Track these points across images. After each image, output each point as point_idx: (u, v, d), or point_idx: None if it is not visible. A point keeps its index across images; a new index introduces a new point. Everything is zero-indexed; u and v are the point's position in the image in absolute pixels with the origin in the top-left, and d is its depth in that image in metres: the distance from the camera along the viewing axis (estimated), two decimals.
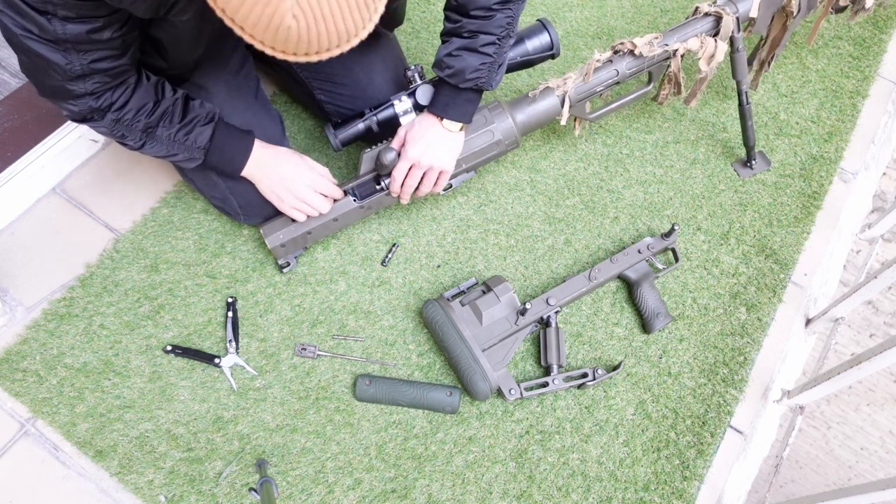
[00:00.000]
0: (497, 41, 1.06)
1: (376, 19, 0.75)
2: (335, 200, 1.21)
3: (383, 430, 1.16)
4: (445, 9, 1.09)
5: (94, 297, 1.24)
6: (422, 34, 1.60)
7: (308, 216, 1.19)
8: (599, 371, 1.19)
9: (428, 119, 1.14)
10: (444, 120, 1.13)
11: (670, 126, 1.50)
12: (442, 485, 1.13)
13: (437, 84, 1.14)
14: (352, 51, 1.27)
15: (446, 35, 1.10)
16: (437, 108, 1.13)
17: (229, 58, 1.21)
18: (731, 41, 1.28)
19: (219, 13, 0.70)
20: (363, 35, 0.75)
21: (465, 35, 1.06)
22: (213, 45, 1.15)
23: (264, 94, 1.28)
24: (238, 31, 0.70)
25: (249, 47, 1.29)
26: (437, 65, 1.11)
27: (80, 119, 0.99)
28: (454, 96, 1.12)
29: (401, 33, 1.59)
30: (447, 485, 1.13)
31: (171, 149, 1.07)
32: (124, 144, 1.06)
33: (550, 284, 1.31)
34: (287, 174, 1.15)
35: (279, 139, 1.24)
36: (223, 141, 1.11)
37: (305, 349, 1.21)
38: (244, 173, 1.15)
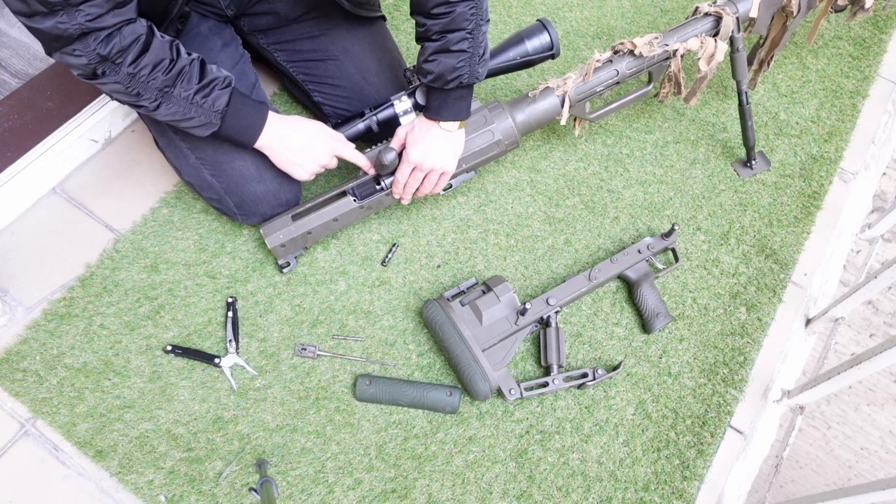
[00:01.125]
0: (468, 35, 1.04)
1: None
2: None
3: (383, 430, 1.16)
4: (411, 13, 1.06)
5: (94, 297, 1.24)
6: None
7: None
8: (599, 371, 1.19)
9: (426, 122, 1.14)
10: (441, 121, 1.13)
11: (670, 126, 1.50)
12: (442, 485, 1.13)
13: (427, 89, 1.14)
14: (346, 53, 1.29)
15: (419, 40, 1.08)
16: (430, 112, 1.13)
17: (217, 56, 1.21)
18: (731, 41, 1.28)
19: None
20: None
21: (435, 38, 1.04)
22: (201, 42, 1.15)
23: (262, 92, 1.28)
24: None
25: (248, 48, 1.30)
26: (419, 72, 1.10)
27: (91, 74, 0.95)
28: (444, 98, 1.11)
29: (400, 33, 1.59)
30: (447, 485, 1.13)
31: (189, 111, 1.03)
32: (138, 106, 1.02)
33: (550, 284, 1.31)
34: (305, 141, 1.14)
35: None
36: (239, 107, 1.08)
37: (305, 349, 1.21)
38: (259, 144, 1.13)
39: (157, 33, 0.99)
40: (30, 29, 0.89)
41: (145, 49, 0.96)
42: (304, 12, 1.27)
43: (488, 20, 1.06)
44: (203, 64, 1.04)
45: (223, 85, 1.05)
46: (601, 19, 1.66)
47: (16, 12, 0.87)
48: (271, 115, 1.13)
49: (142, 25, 0.96)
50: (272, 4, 1.26)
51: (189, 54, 1.02)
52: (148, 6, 1.00)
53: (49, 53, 0.93)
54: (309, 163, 1.16)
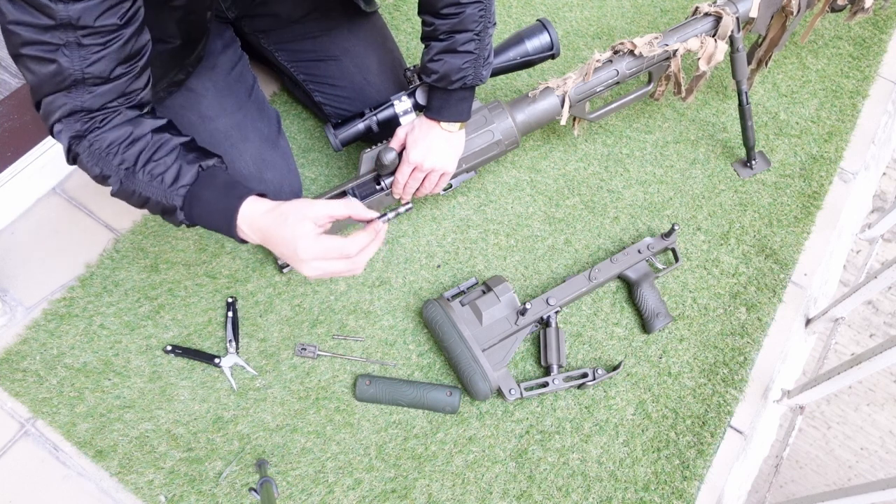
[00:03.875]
0: (476, 37, 1.04)
1: None
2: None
3: (383, 430, 1.16)
4: (418, 12, 1.07)
5: (94, 297, 1.24)
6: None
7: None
8: (599, 371, 1.19)
9: (426, 122, 1.14)
10: (442, 122, 1.13)
11: (670, 126, 1.50)
12: (442, 485, 1.13)
13: (429, 89, 1.14)
14: (347, 53, 1.29)
15: (425, 40, 1.08)
16: (432, 112, 1.13)
17: (217, 58, 1.21)
18: (731, 41, 1.28)
19: None
20: None
21: (442, 37, 1.04)
22: (201, 46, 1.15)
23: (261, 93, 1.28)
24: None
25: (247, 48, 1.30)
26: (423, 71, 1.10)
27: (73, 159, 0.89)
28: (446, 98, 1.11)
29: (401, 33, 1.59)
30: (447, 485, 1.13)
31: (145, 189, 0.88)
32: (109, 185, 0.90)
33: (550, 284, 1.31)
34: (285, 243, 0.86)
35: (274, 139, 1.24)
36: (206, 189, 0.88)
37: (305, 349, 1.21)
38: (244, 237, 0.90)
39: (149, 117, 0.90)
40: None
41: (118, 123, 0.87)
42: (305, 13, 1.27)
43: (495, 23, 1.07)
44: (183, 144, 0.91)
45: (190, 160, 0.89)
46: (601, 19, 1.66)
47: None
48: (253, 202, 0.88)
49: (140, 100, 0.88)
50: (273, 6, 1.26)
51: (179, 136, 0.91)
52: (187, 32, 1.02)
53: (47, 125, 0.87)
54: (301, 266, 0.86)
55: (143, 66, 0.87)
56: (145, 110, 0.91)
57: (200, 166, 0.89)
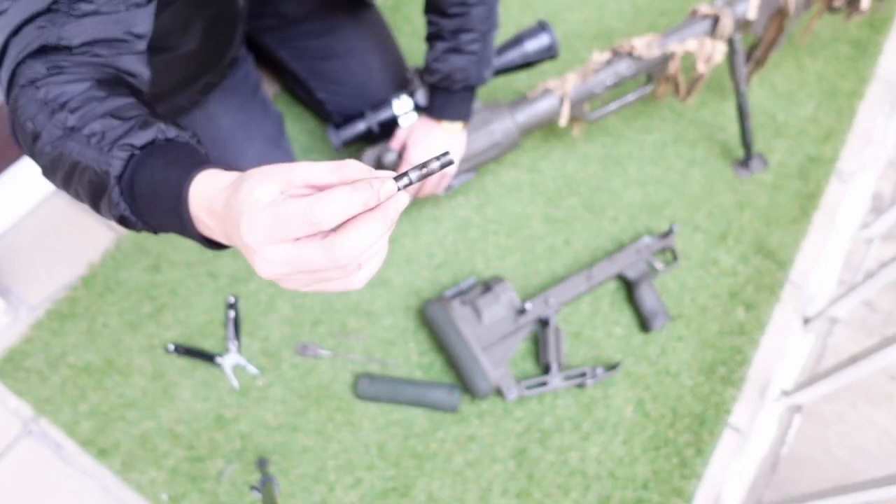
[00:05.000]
0: (480, 37, 1.06)
1: None
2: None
3: (384, 428, 1.17)
4: (424, 12, 1.08)
5: (97, 296, 1.25)
6: (422, 35, 1.61)
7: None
8: (598, 370, 1.20)
9: (427, 122, 1.15)
10: (443, 122, 1.14)
11: (669, 127, 1.51)
12: (442, 483, 1.13)
13: (431, 89, 1.15)
14: (351, 51, 1.29)
15: (430, 39, 1.09)
16: (433, 112, 1.14)
17: (223, 57, 1.21)
18: (729, 42, 1.29)
19: None
20: None
21: (447, 37, 1.06)
22: (232, 49, 1.15)
23: (265, 93, 1.29)
24: None
25: (249, 47, 1.31)
26: (426, 70, 1.11)
27: (9, 96, 0.64)
28: (447, 98, 1.12)
29: (401, 34, 1.60)
30: (447, 483, 1.14)
31: (78, 154, 0.58)
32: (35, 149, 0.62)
33: (550, 284, 1.31)
34: (240, 239, 0.47)
35: (276, 139, 1.25)
36: (156, 157, 0.57)
37: (306, 348, 1.22)
38: (200, 225, 0.54)
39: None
40: None
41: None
42: (308, 12, 1.28)
43: (497, 27, 1.08)
44: (151, 113, 0.62)
45: (147, 125, 0.59)
46: (600, 21, 1.67)
47: None
48: (209, 175, 0.53)
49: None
50: (279, 6, 1.27)
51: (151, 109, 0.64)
52: (214, 37, 0.96)
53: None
54: (259, 264, 0.47)
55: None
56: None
57: (160, 131, 0.58)
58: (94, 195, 0.60)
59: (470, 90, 1.12)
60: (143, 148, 0.57)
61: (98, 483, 1.11)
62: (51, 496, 1.10)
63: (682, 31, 1.27)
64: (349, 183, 0.46)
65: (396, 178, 0.46)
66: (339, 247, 0.44)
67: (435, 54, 1.08)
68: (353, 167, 0.48)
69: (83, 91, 0.61)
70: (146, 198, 0.57)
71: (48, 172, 0.63)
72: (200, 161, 0.55)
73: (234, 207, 0.47)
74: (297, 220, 0.43)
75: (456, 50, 1.06)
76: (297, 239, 0.44)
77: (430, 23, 1.08)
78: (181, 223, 0.54)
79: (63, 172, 0.61)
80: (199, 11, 0.94)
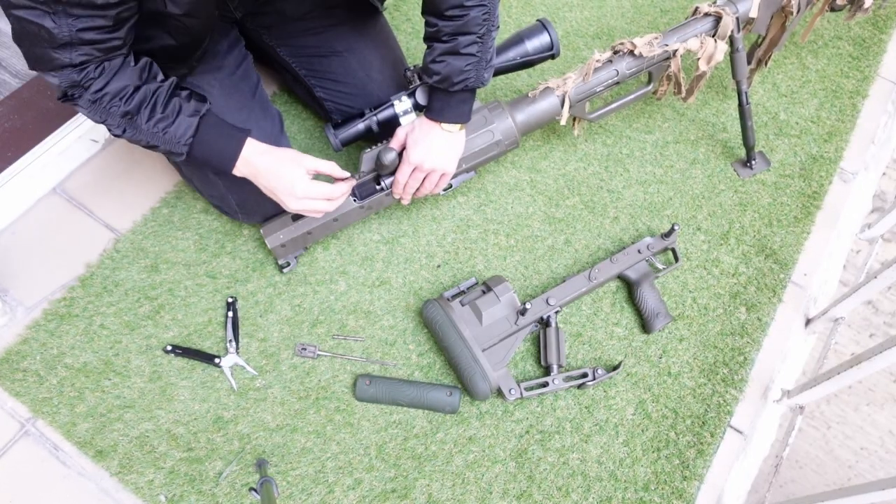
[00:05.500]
0: (479, 39, 1.04)
1: None
2: (354, 193, 1.20)
3: (383, 429, 1.17)
4: (422, 13, 1.07)
5: (95, 296, 1.24)
6: (422, 34, 1.60)
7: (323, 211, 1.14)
8: (599, 371, 1.19)
9: (427, 122, 1.14)
10: (443, 123, 1.13)
11: (670, 126, 1.51)
12: (442, 484, 1.13)
13: (430, 89, 1.14)
14: (351, 49, 1.29)
15: (428, 40, 1.08)
16: (432, 113, 1.13)
17: (224, 58, 1.21)
18: (731, 41, 1.28)
19: None
20: None
21: (445, 39, 1.04)
22: (209, 45, 1.15)
23: (264, 93, 1.28)
24: None
25: (249, 46, 1.30)
26: (425, 71, 1.10)
27: (62, 95, 0.95)
28: (447, 100, 1.11)
29: (401, 33, 1.60)
30: (447, 484, 1.13)
31: (152, 139, 1.01)
32: (109, 130, 1.01)
33: (550, 284, 1.31)
34: (281, 181, 1.07)
35: (276, 138, 1.24)
36: (209, 137, 1.04)
37: (305, 349, 1.21)
38: (238, 173, 1.08)
39: (131, 58, 0.97)
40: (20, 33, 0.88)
41: (112, 76, 0.94)
42: (308, 10, 1.28)
43: (498, 27, 1.07)
44: (173, 91, 1.01)
45: (190, 113, 1.01)
46: (601, 19, 1.66)
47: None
48: (250, 144, 1.07)
49: (120, 59, 0.95)
50: (278, 4, 1.26)
51: (162, 79, 1.00)
52: (187, 35, 1.03)
53: (30, 67, 0.93)
54: (290, 200, 1.09)
55: (129, 28, 0.93)
56: (125, 52, 0.95)
57: (200, 116, 1.02)
58: (167, 154, 1.08)
59: (469, 92, 1.11)
60: (195, 134, 1.03)
61: (96, 484, 1.11)
62: (48, 498, 1.10)
63: (684, 29, 1.26)
64: (338, 178, 1.16)
65: (353, 176, 1.16)
66: (332, 206, 1.14)
67: (433, 55, 1.07)
68: (333, 164, 1.14)
69: (122, 90, 0.96)
70: (206, 156, 1.05)
71: (124, 138, 1.03)
72: (240, 137, 1.06)
73: (283, 173, 1.07)
74: (324, 194, 1.11)
75: (454, 52, 1.05)
76: (313, 199, 1.10)
77: (427, 24, 1.07)
78: (224, 170, 1.08)
79: (142, 144, 1.03)
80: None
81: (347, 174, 1.16)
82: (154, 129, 1.00)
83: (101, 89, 0.94)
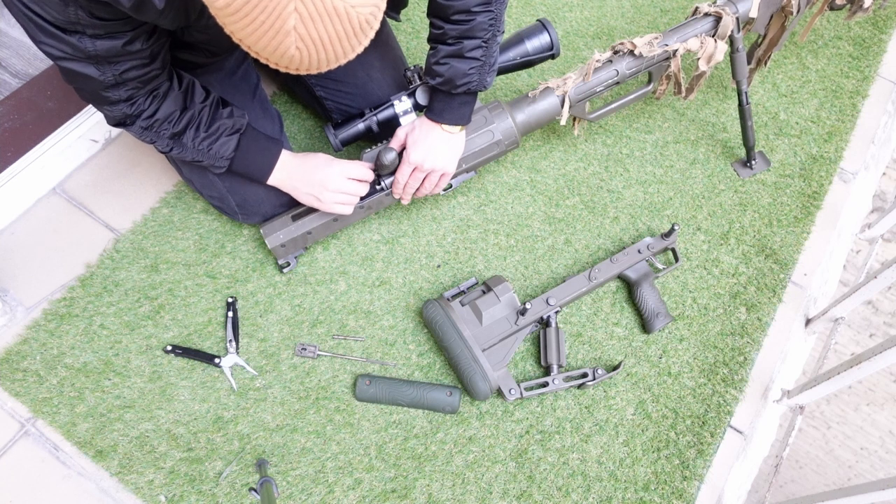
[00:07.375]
0: (483, 44, 1.05)
1: (371, 36, 0.78)
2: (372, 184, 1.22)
3: (383, 430, 1.17)
4: (428, 14, 1.07)
5: (95, 297, 1.24)
6: (422, 34, 1.60)
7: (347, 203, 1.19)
8: (599, 371, 1.19)
9: (427, 123, 1.14)
10: (443, 124, 1.13)
11: (670, 126, 1.50)
12: (442, 484, 1.13)
13: (431, 90, 1.14)
14: None
15: (432, 42, 1.08)
16: (433, 113, 1.13)
17: (224, 60, 1.21)
18: (731, 41, 1.28)
19: (232, 38, 0.74)
20: (359, 51, 0.79)
21: (450, 42, 1.05)
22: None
23: (264, 93, 1.28)
24: (247, 49, 0.75)
25: None
26: (428, 73, 1.10)
27: (116, 123, 1.03)
28: (448, 101, 1.11)
29: (401, 33, 1.59)
30: (447, 484, 1.13)
31: (197, 155, 1.09)
32: (157, 148, 1.09)
33: (550, 284, 1.31)
34: (317, 179, 1.15)
35: (277, 138, 1.24)
36: (248, 152, 1.13)
37: (305, 349, 1.21)
38: (272, 182, 1.16)
39: (175, 83, 1.04)
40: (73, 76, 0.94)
41: (160, 104, 1.02)
42: None
43: (503, 32, 1.07)
44: (216, 109, 1.09)
45: (230, 131, 1.09)
46: (601, 19, 1.66)
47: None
48: (284, 154, 1.16)
49: (165, 86, 1.02)
50: None
51: (206, 97, 1.08)
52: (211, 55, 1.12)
53: (83, 100, 1.06)
54: (325, 194, 1.16)
55: (164, 56, 1.00)
56: (165, 77, 1.03)
57: (240, 134, 1.10)
58: (208, 168, 1.16)
59: (471, 95, 1.12)
60: (236, 150, 1.12)
61: (96, 485, 1.11)
62: (48, 498, 1.10)
63: (684, 29, 1.26)
64: (362, 181, 1.19)
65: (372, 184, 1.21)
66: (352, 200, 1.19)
67: (437, 58, 1.07)
68: (368, 172, 1.20)
69: (169, 116, 1.05)
70: (245, 170, 1.15)
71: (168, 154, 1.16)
72: (275, 151, 1.16)
73: (319, 167, 1.16)
74: (355, 191, 1.18)
75: (458, 55, 1.05)
76: (343, 192, 1.16)
77: (433, 26, 1.07)
78: (260, 181, 1.17)
79: (186, 160, 1.12)
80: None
81: (372, 175, 1.20)
82: (200, 147, 1.08)
83: (151, 115, 1.02)
